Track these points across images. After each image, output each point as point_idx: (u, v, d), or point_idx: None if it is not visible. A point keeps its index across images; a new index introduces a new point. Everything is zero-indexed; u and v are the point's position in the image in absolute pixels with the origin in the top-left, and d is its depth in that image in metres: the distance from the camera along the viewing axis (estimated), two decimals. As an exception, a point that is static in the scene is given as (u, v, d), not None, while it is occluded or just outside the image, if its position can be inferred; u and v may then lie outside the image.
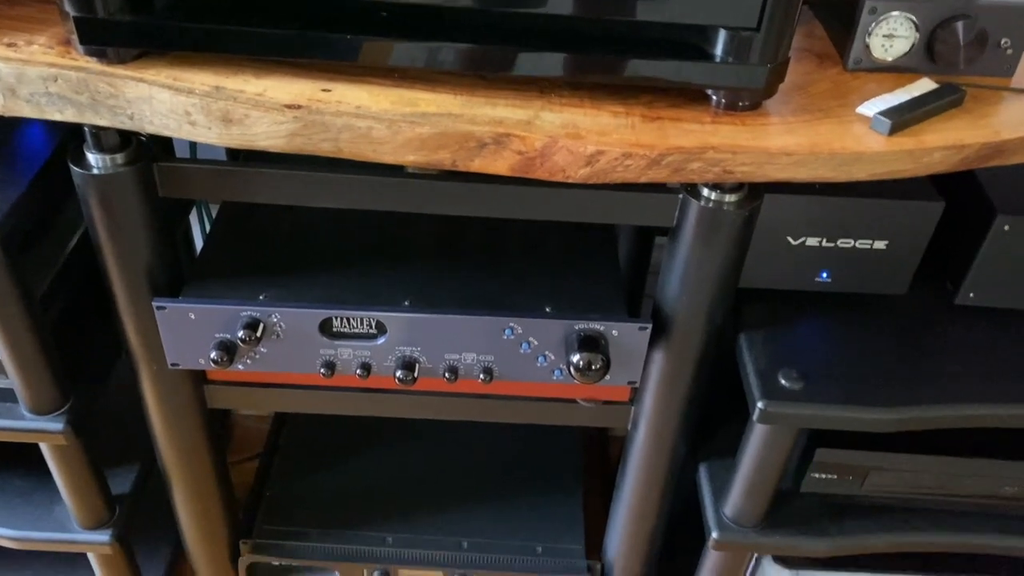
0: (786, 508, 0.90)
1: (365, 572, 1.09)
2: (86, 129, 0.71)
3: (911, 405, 0.77)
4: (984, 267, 0.83)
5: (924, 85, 0.69)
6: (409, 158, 0.67)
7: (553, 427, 1.26)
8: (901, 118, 0.65)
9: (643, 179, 0.66)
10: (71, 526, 0.99)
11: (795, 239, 0.81)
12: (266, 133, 0.66)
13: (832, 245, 0.81)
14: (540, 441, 1.25)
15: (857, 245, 0.81)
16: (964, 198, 0.82)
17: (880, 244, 0.81)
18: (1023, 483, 0.87)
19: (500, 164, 0.66)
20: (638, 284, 1.20)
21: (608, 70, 0.65)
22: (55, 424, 0.87)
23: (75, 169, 0.73)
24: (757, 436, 0.81)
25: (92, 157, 0.72)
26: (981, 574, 0.97)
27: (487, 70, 0.66)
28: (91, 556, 1.03)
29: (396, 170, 0.73)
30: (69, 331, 0.91)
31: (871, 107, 0.67)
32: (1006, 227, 0.79)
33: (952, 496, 0.89)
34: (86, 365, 0.92)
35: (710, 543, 0.90)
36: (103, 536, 0.99)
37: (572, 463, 1.23)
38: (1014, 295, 0.84)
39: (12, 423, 0.87)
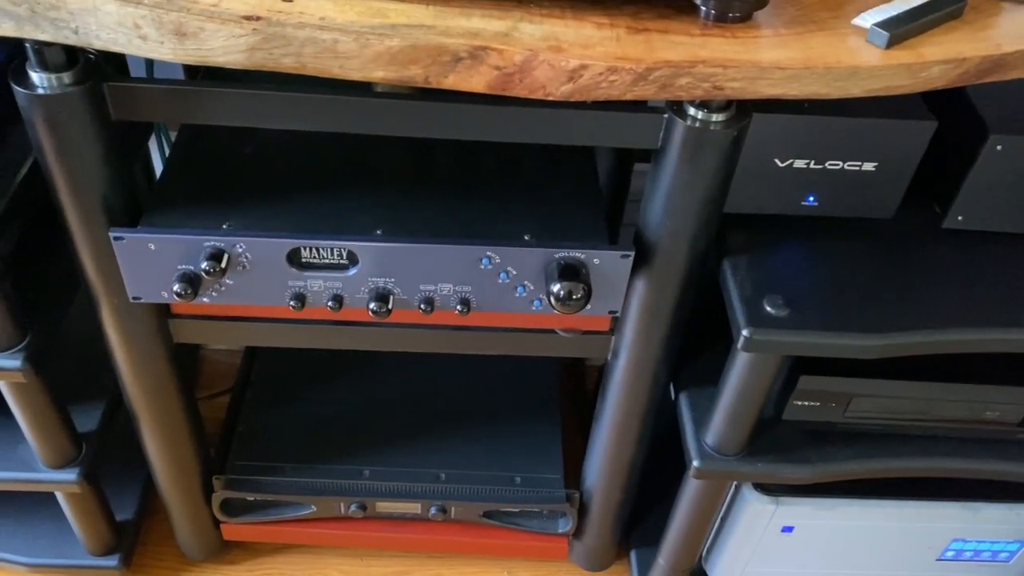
0: (768, 436, 0.89)
1: (342, 506, 1.08)
2: (27, 45, 0.66)
3: (897, 331, 0.75)
4: (974, 189, 0.80)
5: (923, -5, 0.65)
6: (378, 74, 0.62)
7: (530, 357, 1.24)
8: (899, 30, 0.61)
9: (628, 96, 0.62)
10: (36, 465, 0.96)
11: (782, 161, 0.78)
12: (223, 48, 0.61)
13: (820, 167, 0.78)
14: (517, 371, 1.23)
15: (846, 167, 0.78)
16: (954, 118, 0.79)
17: (869, 166, 0.78)
18: (1004, 407, 0.87)
19: (476, 80, 0.62)
20: (616, 213, 1.17)
21: (591, -23, 0.61)
22: (12, 361, 0.83)
23: (18, 89, 0.68)
24: (741, 364, 0.79)
25: (36, 76, 0.67)
26: (962, 499, 0.97)
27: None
28: (59, 495, 1.00)
29: (364, 88, 0.69)
30: (23, 264, 0.87)
31: (867, 19, 0.63)
32: (999, 147, 0.77)
33: (933, 422, 0.89)
34: (43, 299, 0.88)
35: (691, 472, 0.89)
36: (70, 475, 0.96)
37: (549, 393, 1.21)
38: (1003, 218, 0.82)
39: (-33, 361, 0.83)
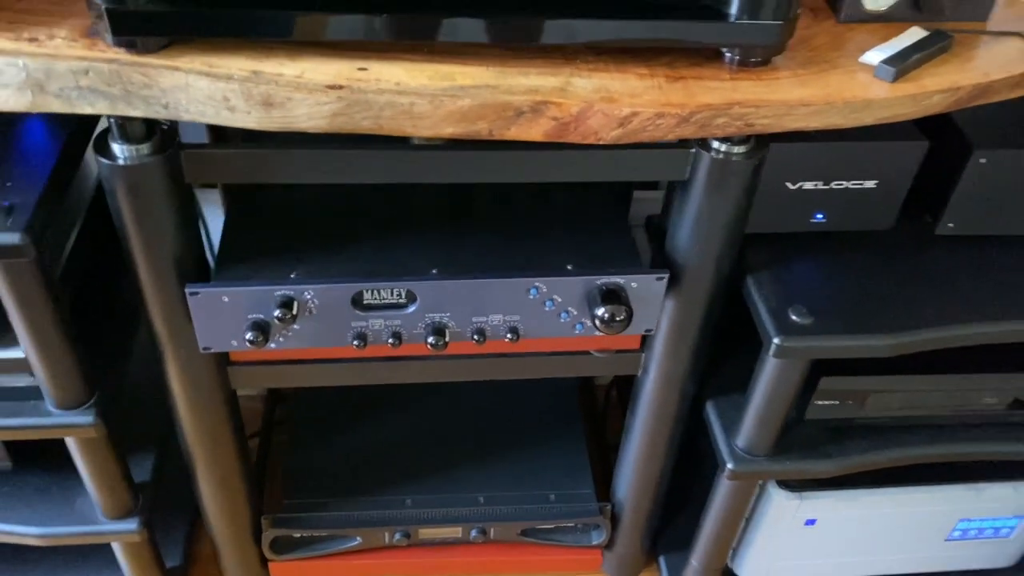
0: (792, 436, 0.96)
1: (387, 535, 1.12)
2: (111, 120, 0.72)
3: (907, 331, 0.84)
4: (961, 199, 0.89)
5: (916, 33, 0.74)
6: (447, 131, 0.69)
7: (549, 381, 1.30)
8: (903, 65, 0.70)
9: (670, 136, 0.70)
10: (96, 518, 0.99)
11: (793, 184, 0.86)
12: (308, 114, 0.67)
13: (827, 187, 0.87)
14: (538, 395, 1.30)
15: (849, 186, 0.87)
16: (942, 137, 0.88)
17: (870, 183, 0.87)
18: (1003, 392, 0.96)
19: (535, 131, 0.69)
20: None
21: (635, 33, 0.68)
22: (85, 417, 0.87)
23: (102, 161, 0.73)
24: (770, 370, 0.87)
25: (118, 148, 0.72)
26: (967, 481, 1.05)
27: (519, 40, 0.68)
28: (116, 546, 1.03)
29: (402, 142, 0.76)
30: (85, 314, 0.91)
31: (873, 56, 0.72)
32: (982, 160, 0.86)
33: (944, 412, 0.97)
34: (105, 354, 0.92)
35: (725, 474, 0.96)
36: (131, 524, 1.00)
37: (571, 413, 1.28)
38: (988, 223, 0.91)
39: (40, 420, 0.87)
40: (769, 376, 0.87)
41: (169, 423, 1.03)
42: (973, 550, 1.15)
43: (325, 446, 1.20)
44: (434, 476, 1.17)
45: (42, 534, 0.99)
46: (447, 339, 0.85)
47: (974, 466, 1.05)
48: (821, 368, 0.92)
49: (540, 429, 1.24)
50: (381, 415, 1.26)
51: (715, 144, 0.78)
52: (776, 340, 0.82)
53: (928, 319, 0.85)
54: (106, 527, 0.99)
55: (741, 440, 0.95)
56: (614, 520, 1.15)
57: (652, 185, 1.28)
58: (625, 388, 1.24)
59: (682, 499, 1.19)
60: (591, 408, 1.44)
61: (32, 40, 0.67)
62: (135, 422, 1.04)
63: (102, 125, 0.74)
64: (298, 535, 1.12)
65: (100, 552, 1.09)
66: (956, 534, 1.12)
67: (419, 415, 1.26)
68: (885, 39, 0.75)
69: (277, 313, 0.81)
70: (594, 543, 1.17)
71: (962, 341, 0.86)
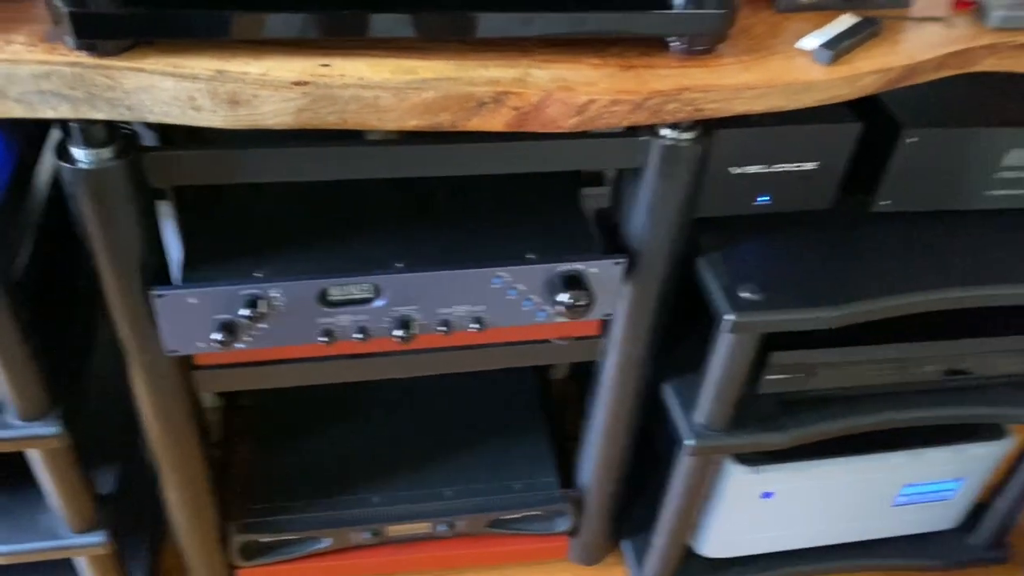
0: (747, 410, 1.00)
1: (355, 535, 1.13)
2: (73, 125, 0.72)
3: (855, 301, 0.88)
4: (894, 177, 0.95)
5: (847, 20, 0.79)
6: (411, 123, 0.71)
7: (509, 377, 1.33)
8: (838, 49, 0.75)
9: (625, 123, 0.73)
10: (61, 532, 0.98)
11: (738, 168, 0.90)
12: (274, 111, 0.68)
13: (770, 170, 0.91)
14: (498, 391, 1.32)
15: (790, 168, 0.91)
16: (873, 119, 0.93)
17: (810, 165, 0.92)
18: (940, 361, 1.01)
19: (497, 121, 0.72)
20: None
21: (586, 25, 0.71)
22: (49, 428, 0.86)
23: (64, 166, 0.73)
24: (725, 346, 0.91)
25: (80, 152, 0.73)
26: (910, 447, 1.11)
27: (474, 33, 0.71)
28: (81, 561, 1.02)
29: (357, 137, 0.78)
30: (42, 330, 0.90)
31: (810, 42, 0.76)
32: (910, 139, 0.92)
33: (888, 381, 1.02)
34: (67, 363, 0.91)
35: (686, 450, 0.99)
36: (97, 538, 0.99)
37: (531, 407, 1.30)
38: (921, 199, 0.97)
39: (3, 433, 0.86)
40: (724, 352, 0.91)
41: (132, 434, 1.03)
42: (919, 514, 1.21)
43: (288, 450, 1.21)
44: (400, 474, 1.18)
45: (6, 552, 0.97)
46: (414, 332, 0.87)
47: (916, 432, 1.11)
48: (771, 344, 0.97)
49: (502, 423, 1.26)
50: (343, 416, 1.26)
51: (665, 132, 0.81)
52: (729, 317, 0.86)
53: (871, 290, 0.90)
54: (71, 541, 0.98)
55: (699, 416, 0.99)
56: (578, 506, 1.18)
57: (598, 181, 1.32)
58: (583, 381, 1.27)
59: (642, 485, 1.22)
60: (550, 400, 1.46)
61: (-10, 46, 0.67)
62: (98, 433, 1.03)
63: (57, 134, 0.74)
64: (266, 540, 1.12)
65: (63, 568, 1.07)
66: (902, 499, 1.17)
67: (381, 414, 1.27)
68: (818, 26, 0.79)
69: (244, 312, 0.82)
70: (559, 530, 1.19)
71: (903, 310, 0.91)
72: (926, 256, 0.94)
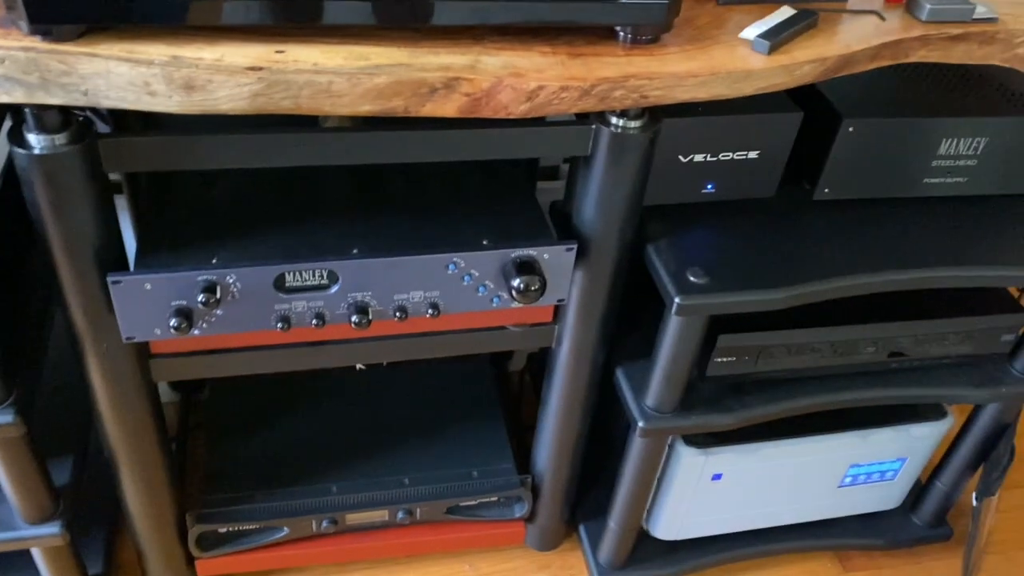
0: (696, 393, 1.03)
1: (314, 523, 1.14)
2: (27, 111, 0.72)
3: (798, 283, 0.91)
4: (834, 166, 0.98)
5: (785, 12, 0.82)
6: (364, 108, 0.73)
7: (465, 367, 1.35)
8: (776, 39, 0.78)
9: (574, 109, 0.76)
10: (16, 523, 0.98)
11: (685, 157, 0.93)
12: (229, 96, 0.70)
13: (715, 159, 0.94)
14: (455, 381, 1.33)
15: (735, 157, 0.95)
16: (814, 109, 0.97)
17: (753, 154, 0.95)
18: (881, 343, 1.05)
19: (449, 107, 0.74)
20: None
21: (535, 14, 0.73)
22: (3, 417, 0.86)
23: (18, 151, 0.73)
24: (673, 328, 0.93)
25: (34, 138, 0.73)
26: (854, 428, 1.15)
27: (426, 21, 0.73)
28: (37, 553, 1.02)
29: (312, 124, 0.79)
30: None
31: (750, 32, 0.79)
32: (850, 129, 0.95)
33: (831, 363, 1.06)
34: (21, 352, 0.91)
35: (637, 432, 1.02)
36: (52, 529, 0.98)
37: (487, 394, 1.32)
38: (860, 187, 1.01)
39: (-44, 422, 0.86)
40: (672, 335, 0.94)
41: (87, 425, 1.03)
42: (863, 495, 1.25)
43: (246, 442, 1.21)
44: (358, 462, 1.19)
45: (-41, 544, 0.97)
46: (370, 317, 0.89)
47: (860, 414, 1.15)
48: (718, 328, 1.00)
49: (459, 413, 1.28)
50: (300, 407, 1.27)
51: (613, 120, 0.84)
52: (677, 299, 0.89)
53: (814, 273, 0.94)
54: (26, 532, 0.98)
55: (650, 400, 1.01)
56: (535, 491, 1.20)
57: (553, 175, 1.34)
58: (538, 372, 1.29)
59: (599, 472, 1.25)
60: (506, 393, 1.49)
61: (-58, 31, 0.67)
62: (53, 424, 1.03)
63: (8, 122, 0.75)
64: (224, 530, 1.12)
65: (19, 560, 1.07)
66: (848, 480, 1.21)
67: (339, 405, 1.28)
68: (760, 19, 0.83)
69: (200, 298, 0.82)
70: (516, 516, 1.21)
71: (843, 292, 0.95)
72: (865, 241, 0.98)
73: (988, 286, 1.00)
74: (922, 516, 1.32)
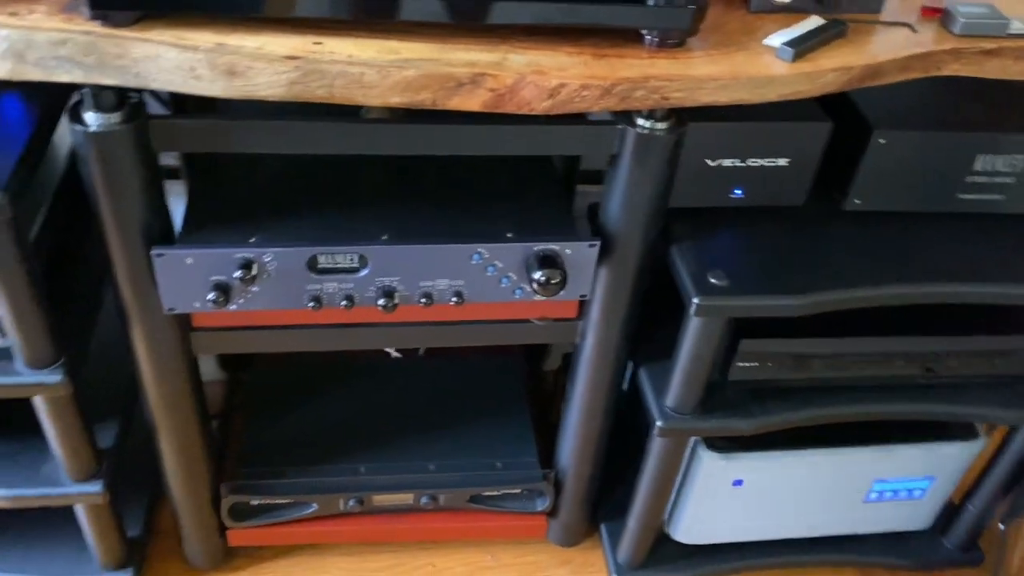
0: (717, 396, 1.04)
1: (341, 502, 1.18)
2: (85, 91, 0.78)
3: (817, 291, 0.92)
4: (865, 177, 0.99)
5: (814, 21, 0.84)
6: (394, 100, 0.76)
7: (498, 361, 1.38)
8: (801, 47, 0.79)
9: (595, 108, 0.78)
10: (61, 480, 1.04)
11: (713, 161, 0.95)
12: (268, 83, 0.74)
13: (744, 164, 0.96)
14: (486, 377, 1.37)
15: (764, 163, 0.96)
16: (845, 120, 0.97)
17: (782, 161, 0.96)
18: (911, 357, 1.05)
19: (474, 101, 0.77)
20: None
21: (563, 16, 0.76)
22: (53, 376, 0.92)
23: (76, 128, 0.79)
24: (692, 329, 0.95)
25: (91, 116, 0.79)
26: (880, 443, 1.14)
27: (462, 19, 0.76)
28: (80, 510, 1.08)
29: (353, 114, 0.84)
30: (54, 280, 0.96)
31: (775, 39, 0.81)
32: (881, 140, 0.96)
33: (859, 375, 1.06)
34: (74, 320, 0.97)
35: (655, 431, 1.03)
36: (94, 487, 1.04)
37: (517, 390, 1.35)
38: (891, 199, 1.01)
39: (11, 379, 0.92)
40: (691, 335, 0.96)
41: (133, 394, 1.08)
42: (890, 512, 1.24)
43: (282, 420, 1.26)
44: (387, 447, 1.23)
45: (9, 496, 1.03)
46: (396, 301, 0.92)
47: (887, 429, 1.14)
48: (743, 332, 1.01)
49: (488, 406, 1.31)
50: (336, 392, 1.32)
51: (640, 121, 0.86)
52: (696, 300, 0.90)
53: (837, 282, 0.94)
54: (70, 489, 1.04)
55: (670, 400, 1.03)
56: (557, 487, 1.22)
57: (595, 179, 1.36)
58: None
59: (622, 473, 1.26)
60: (539, 392, 1.51)
61: (13, 14, 0.73)
62: (101, 391, 1.09)
63: (74, 100, 0.81)
64: (256, 502, 1.17)
65: (65, 516, 1.13)
66: (873, 495, 1.20)
67: (373, 391, 1.32)
68: (789, 26, 0.84)
69: (237, 274, 0.87)
70: (539, 509, 1.23)
71: (868, 302, 0.95)
72: (893, 254, 0.98)
73: (1022, 304, 0.99)
74: (953, 539, 1.30)
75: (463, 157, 1.01)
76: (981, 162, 0.99)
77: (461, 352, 1.48)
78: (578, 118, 0.86)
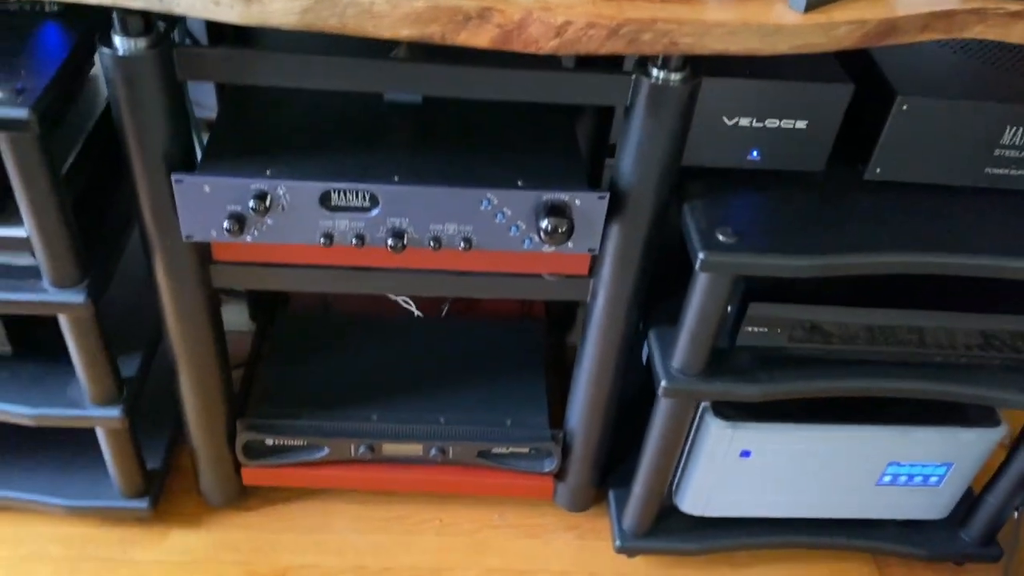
0: (724, 361, 1.03)
1: (353, 447, 1.21)
2: (115, 15, 0.81)
3: (828, 254, 0.91)
4: (888, 145, 0.97)
5: (833, -25, 0.83)
6: (404, 32, 0.78)
7: (518, 325, 1.39)
8: (815, -3, 0.78)
9: (603, 50, 0.79)
10: (84, 403, 1.08)
11: (730, 119, 0.94)
12: (282, 10, 0.76)
13: (761, 125, 0.95)
14: (507, 338, 1.38)
15: (782, 124, 0.95)
16: (868, 83, 0.96)
17: (801, 124, 0.95)
18: (928, 333, 1.03)
19: (482, 37, 0.78)
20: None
21: (573, -45, 0.77)
22: (77, 296, 0.96)
23: (104, 50, 0.82)
24: (699, 286, 0.95)
25: (119, 40, 0.82)
26: (896, 423, 1.12)
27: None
28: (100, 432, 1.12)
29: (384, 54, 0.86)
30: (85, 212, 1.00)
31: (789, -11, 0.80)
32: (905, 107, 0.94)
33: (867, 348, 1.04)
34: (101, 244, 1.01)
35: (660, 391, 1.03)
36: (114, 412, 1.08)
37: (535, 355, 1.36)
38: (914, 170, 0.99)
39: (37, 296, 0.96)
40: (698, 293, 0.95)
41: (158, 335, 1.12)
42: (904, 498, 1.21)
43: (302, 368, 1.29)
44: (401, 399, 1.25)
45: (34, 415, 1.08)
46: (405, 243, 0.94)
47: (904, 410, 1.12)
48: (753, 297, 1.00)
49: (505, 369, 1.32)
50: (358, 346, 1.34)
51: (653, 71, 0.86)
52: (701, 255, 0.90)
53: (851, 246, 0.93)
54: (91, 412, 1.08)
55: (676, 361, 1.03)
56: (565, 449, 1.22)
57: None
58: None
59: (635, 445, 1.25)
60: (561, 363, 1.51)
61: (48, -64, 0.77)
62: (128, 326, 1.14)
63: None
64: (270, 442, 1.20)
65: (90, 447, 1.17)
66: (886, 479, 1.18)
67: (394, 348, 1.35)
68: (809, -20, 0.83)
69: (252, 204, 0.90)
70: (546, 470, 1.24)
71: (880, 268, 0.93)
72: (912, 224, 0.96)
73: (1045, 284, 0.96)
74: (970, 532, 1.26)
75: (480, 107, 1.03)
76: (1010, 135, 0.96)
77: (483, 315, 1.50)
78: (593, 67, 0.86)
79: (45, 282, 0.97)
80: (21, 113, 0.81)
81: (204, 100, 1.30)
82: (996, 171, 0.99)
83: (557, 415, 1.25)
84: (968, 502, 1.26)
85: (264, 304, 1.49)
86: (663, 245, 1.02)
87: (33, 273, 0.97)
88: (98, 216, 1.04)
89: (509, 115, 1.06)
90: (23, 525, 1.24)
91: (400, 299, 1.44)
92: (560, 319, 1.54)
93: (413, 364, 1.32)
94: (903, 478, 1.18)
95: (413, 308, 1.44)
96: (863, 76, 0.96)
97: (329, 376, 1.29)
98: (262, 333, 1.48)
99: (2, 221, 0.93)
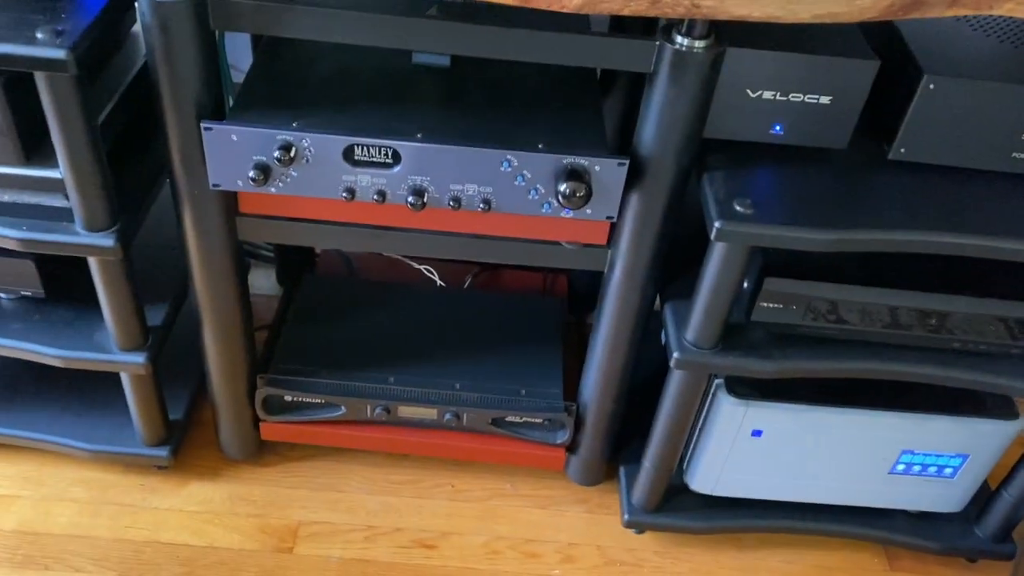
0: (738, 336, 1.04)
1: (369, 408, 1.23)
2: (153, -38, 0.84)
3: (846, 228, 0.91)
4: (913, 124, 0.96)
5: (861, -54, 0.82)
6: (429, -15, 0.80)
7: (538, 300, 1.41)
8: (839, -35, 0.78)
9: (626, 11, 0.79)
10: (111, 348, 1.12)
11: (753, 92, 0.94)
12: (312, -40, 0.78)
13: (785, 99, 0.95)
14: (528, 313, 1.39)
15: (806, 99, 0.95)
16: (895, 60, 0.95)
17: (825, 99, 0.95)
18: (942, 316, 1.02)
19: (506, -7, 0.79)
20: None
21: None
22: (107, 240, 0.99)
23: (141, -1, 0.85)
24: (715, 257, 0.95)
25: (156, -13, 0.85)
26: (911, 410, 1.11)
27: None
28: (125, 378, 1.15)
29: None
30: (120, 161, 1.03)
31: (815, -42, 0.80)
32: (931, 86, 0.93)
33: (884, 330, 1.03)
34: (133, 192, 1.04)
35: (672, 363, 1.04)
36: (139, 358, 1.12)
37: (553, 329, 1.37)
38: (939, 151, 0.98)
39: (68, 238, 0.99)
40: (713, 263, 0.96)
41: (185, 289, 1.15)
42: (918, 488, 1.20)
43: (324, 330, 1.32)
44: (418, 364, 1.27)
45: (63, 356, 1.11)
46: (425, 201, 0.96)
47: (919, 397, 1.11)
48: (770, 272, 1.00)
49: (523, 341, 1.33)
50: (381, 313, 1.37)
51: (678, 38, 0.87)
52: (717, 224, 0.90)
53: (870, 223, 0.92)
54: (117, 357, 1.12)
55: (690, 334, 1.03)
56: (578, 422, 1.23)
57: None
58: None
59: (643, 426, 1.26)
60: (581, 342, 1.52)
61: None
62: (157, 278, 1.18)
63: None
64: (289, 398, 1.23)
65: (115, 396, 1.21)
66: (900, 467, 1.17)
67: (415, 315, 1.37)
68: (837, -48, 0.83)
69: (276, 155, 0.92)
70: (558, 442, 1.25)
71: (899, 247, 0.93)
72: (934, 204, 0.95)
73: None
74: (985, 528, 1.25)
75: (507, 71, 1.04)
76: (1040, 119, 0.95)
77: (505, 288, 1.51)
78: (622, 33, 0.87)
79: (77, 224, 1.00)
80: (59, 54, 0.84)
81: (241, 64, 1.32)
82: (1023, 156, 0.98)
83: (571, 391, 1.26)
84: (984, 497, 1.25)
85: (292, 268, 1.52)
86: (682, 222, 1.02)
87: (66, 215, 1.00)
88: (132, 167, 1.07)
89: (536, 82, 1.07)
90: (48, 466, 1.28)
91: (423, 268, 1.46)
92: (581, 299, 1.54)
93: (433, 332, 1.34)
94: (917, 467, 1.17)
95: (436, 278, 1.46)
96: (890, 53, 0.95)
97: (350, 339, 1.31)
98: (289, 296, 1.51)
99: (39, 162, 0.96)
